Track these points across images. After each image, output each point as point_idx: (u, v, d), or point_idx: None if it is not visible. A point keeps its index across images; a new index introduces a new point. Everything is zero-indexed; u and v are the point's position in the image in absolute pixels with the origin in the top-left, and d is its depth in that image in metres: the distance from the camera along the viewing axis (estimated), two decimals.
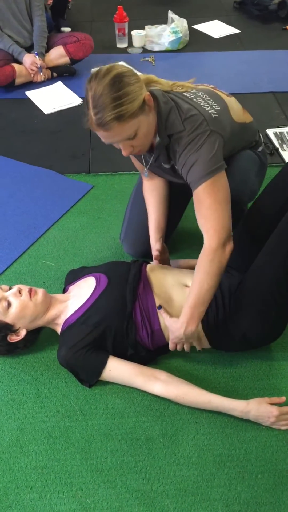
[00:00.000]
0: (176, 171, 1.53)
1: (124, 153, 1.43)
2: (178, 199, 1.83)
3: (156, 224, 1.74)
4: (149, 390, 1.49)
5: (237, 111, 1.59)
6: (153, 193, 1.76)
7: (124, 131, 1.33)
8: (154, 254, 1.73)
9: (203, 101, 1.47)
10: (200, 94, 1.50)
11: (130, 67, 1.35)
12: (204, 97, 1.49)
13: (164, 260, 1.75)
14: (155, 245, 1.74)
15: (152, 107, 1.37)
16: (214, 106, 1.47)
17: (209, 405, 1.44)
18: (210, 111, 1.44)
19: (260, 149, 1.74)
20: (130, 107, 1.28)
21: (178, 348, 1.53)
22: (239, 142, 1.62)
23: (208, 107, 1.45)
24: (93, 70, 1.36)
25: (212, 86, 1.63)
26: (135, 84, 1.29)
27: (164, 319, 1.50)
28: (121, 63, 3.47)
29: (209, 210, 1.39)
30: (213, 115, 1.43)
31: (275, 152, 2.57)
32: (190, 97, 1.48)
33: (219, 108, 1.48)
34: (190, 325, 1.43)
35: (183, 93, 1.49)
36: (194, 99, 1.47)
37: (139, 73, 1.39)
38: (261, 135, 1.78)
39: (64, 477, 1.36)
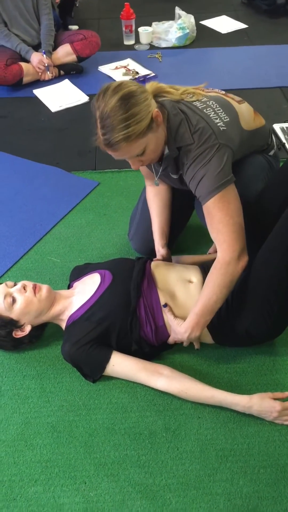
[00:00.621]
0: (184, 182, 1.53)
1: (133, 167, 1.45)
2: (184, 204, 1.82)
3: (160, 230, 1.76)
4: (152, 385, 1.50)
5: (248, 119, 1.57)
6: (155, 198, 1.77)
7: (132, 150, 1.34)
8: (158, 259, 1.75)
9: (213, 112, 1.45)
10: (210, 103, 1.48)
11: (139, 84, 1.34)
12: (215, 107, 1.48)
13: (167, 260, 1.76)
14: (160, 251, 1.75)
15: (161, 123, 1.37)
16: (223, 118, 1.45)
17: (212, 399, 1.44)
18: (218, 124, 1.42)
19: (271, 153, 1.72)
20: (137, 127, 1.28)
21: (177, 342, 1.55)
22: (248, 149, 1.61)
23: (217, 119, 1.44)
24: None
25: (223, 92, 1.61)
26: (143, 103, 1.29)
27: (168, 319, 1.51)
28: (128, 60, 3.50)
29: (221, 224, 1.39)
30: (221, 128, 1.42)
31: (281, 147, 2.56)
32: (200, 107, 1.46)
33: (228, 119, 1.46)
34: (195, 331, 1.46)
35: (193, 103, 1.47)
36: (204, 110, 1.45)
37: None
38: (274, 138, 1.75)
39: (68, 470, 1.38)
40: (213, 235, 1.43)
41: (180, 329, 1.47)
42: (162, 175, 1.61)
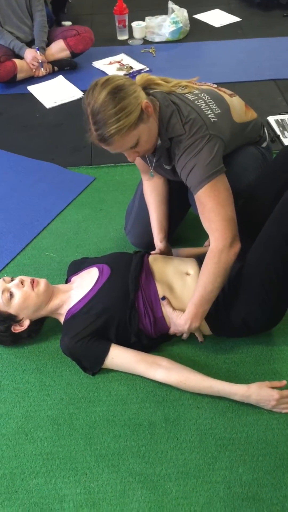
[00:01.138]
0: (177, 173, 1.54)
1: (130, 159, 1.47)
2: (182, 198, 1.83)
3: (159, 224, 1.77)
4: (151, 376, 1.51)
5: (239, 112, 1.58)
6: (153, 193, 1.78)
7: (126, 142, 1.36)
8: (155, 252, 1.76)
9: (204, 104, 1.47)
10: (202, 95, 1.50)
11: (127, 77, 1.36)
12: (206, 99, 1.49)
13: (166, 254, 1.77)
14: (159, 245, 1.77)
15: (151, 113, 1.38)
16: (214, 110, 1.46)
17: (210, 390, 1.46)
18: (209, 115, 1.44)
19: (264, 144, 1.73)
20: (127, 120, 1.30)
21: (178, 334, 1.56)
22: (241, 141, 1.62)
23: (208, 110, 1.45)
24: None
25: (215, 85, 1.63)
26: (132, 95, 1.30)
27: (167, 312, 1.52)
28: (122, 55, 3.49)
29: (212, 213, 1.40)
30: (212, 120, 1.43)
31: (276, 139, 2.57)
32: (192, 99, 1.47)
33: (219, 111, 1.47)
34: (194, 322, 1.47)
35: (185, 95, 1.49)
36: (196, 102, 1.46)
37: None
38: (266, 131, 1.76)
39: (69, 462, 1.39)
40: (205, 224, 1.44)
41: (180, 321, 1.48)
42: (156, 166, 1.62)
